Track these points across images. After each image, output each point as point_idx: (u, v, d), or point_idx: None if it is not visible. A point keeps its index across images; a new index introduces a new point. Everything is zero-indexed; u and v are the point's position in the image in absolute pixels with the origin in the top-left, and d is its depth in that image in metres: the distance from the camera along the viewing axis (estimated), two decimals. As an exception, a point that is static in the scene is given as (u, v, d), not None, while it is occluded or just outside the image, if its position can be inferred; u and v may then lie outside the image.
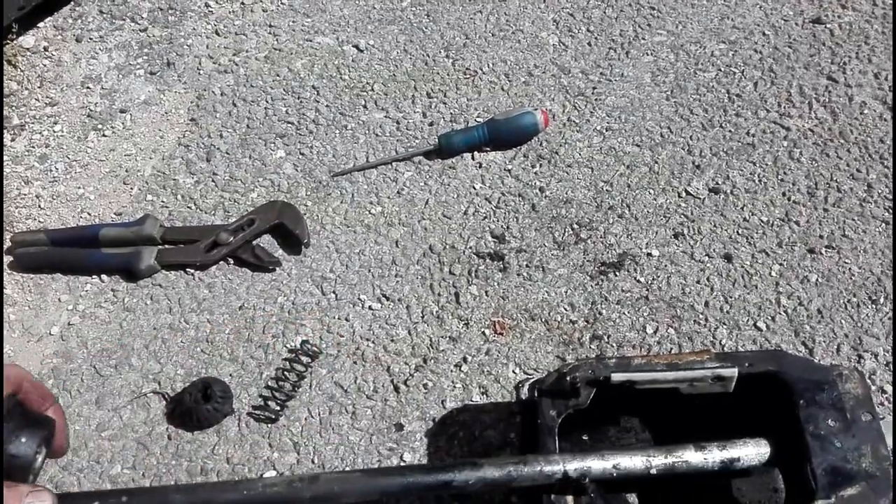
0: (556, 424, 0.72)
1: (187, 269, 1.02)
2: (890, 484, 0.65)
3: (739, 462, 0.70)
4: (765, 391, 0.73)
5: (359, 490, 0.67)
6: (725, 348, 0.89)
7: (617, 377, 0.72)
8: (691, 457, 0.70)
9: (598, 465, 0.68)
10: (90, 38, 1.35)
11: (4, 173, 1.16)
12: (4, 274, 1.05)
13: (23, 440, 0.55)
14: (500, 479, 0.68)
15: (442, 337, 0.94)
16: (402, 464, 0.84)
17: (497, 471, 0.67)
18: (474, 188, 1.07)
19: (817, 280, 0.93)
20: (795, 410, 0.70)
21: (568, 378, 0.72)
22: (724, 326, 0.90)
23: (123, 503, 0.63)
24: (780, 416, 0.73)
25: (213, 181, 1.12)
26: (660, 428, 0.80)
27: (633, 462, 0.69)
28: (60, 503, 0.55)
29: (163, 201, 1.10)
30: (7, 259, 1.06)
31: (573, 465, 0.68)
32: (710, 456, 0.70)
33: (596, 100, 1.15)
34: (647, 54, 1.21)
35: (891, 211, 0.98)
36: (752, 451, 0.70)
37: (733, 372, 0.71)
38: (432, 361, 0.92)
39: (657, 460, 0.69)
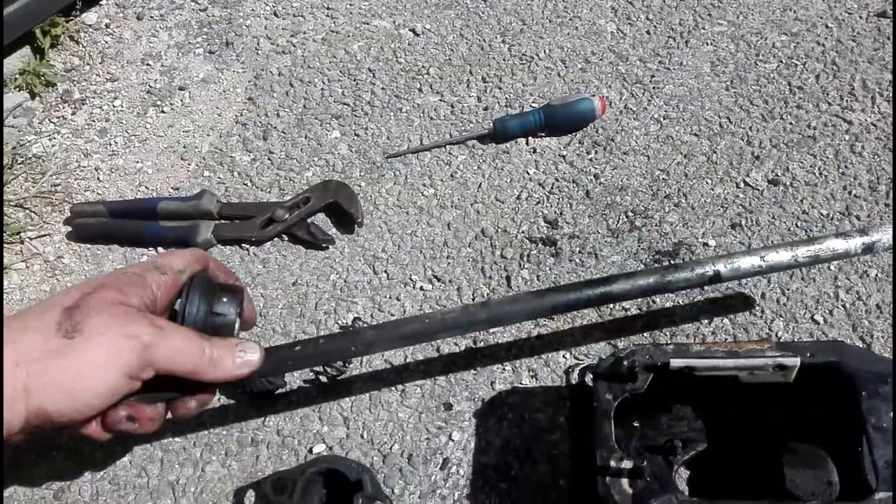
0: (612, 408, 0.71)
1: (243, 245, 1.03)
2: None
3: (880, 243, 0.79)
4: (825, 382, 0.71)
5: (529, 309, 0.78)
6: (782, 340, 0.87)
7: (676, 362, 0.71)
8: (834, 244, 0.79)
9: (747, 261, 0.79)
10: (151, 17, 1.37)
11: (65, 145, 1.19)
12: (63, 243, 1.07)
13: (224, 300, 0.59)
14: (654, 284, 0.79)
15: (493, 319, 0.94)
16: (452, 433, 0.84)
17: (651, 276, 0.79)
18: (528, 173, 1.07)
19: (877, 275, 0.91)
20: (857, 402, 0.69)
21: (626, 362, 0.72)
22: (781, 318, 0.89)
23: (321, 345, 0.74)
24: (840, 408, 0.72)
25: (269, 159, 1.13)
26: (713, 417, 0.79)
27: (779, 255, 0.79)
28: (266, 355, 0.60)
29: (219, 178, 1.12)
30: (66, 229, 1.08)
31: (721, 265, 0.79)
32: (852, 242, 0.79)
33: (654, 88, 1.14)
34: (707, 44, 1.19)
35: (957, 208, 0.96)
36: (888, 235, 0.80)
37: (795, 361, 0.70)
38: (482, 343, 0.92)
39: (802, 250, 0.79)
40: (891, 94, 1.09)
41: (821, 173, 1.02)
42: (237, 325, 0.61)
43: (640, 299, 0.92)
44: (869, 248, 0.81)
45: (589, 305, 0.81)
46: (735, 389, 0.73)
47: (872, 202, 0.98)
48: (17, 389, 0.46)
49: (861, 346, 0.86)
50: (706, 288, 0.92)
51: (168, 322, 0.55)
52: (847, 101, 1.09)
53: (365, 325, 0.91)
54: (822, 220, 0.97)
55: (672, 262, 0.95)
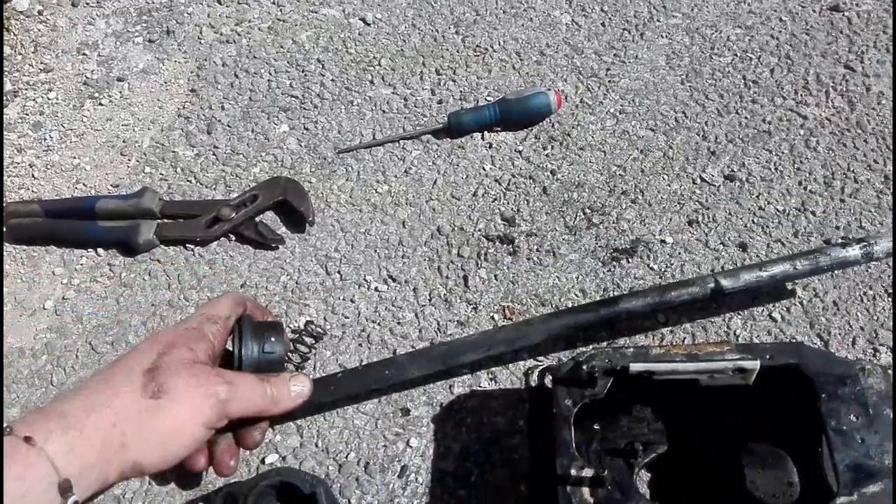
0: (572, 414, 0.70)
1: (187, 245, 0.99)
2: None
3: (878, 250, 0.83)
4: (785, 384, 0.71)
5: (545, 330, 0.83)
6: (740, 339, 0.87)
7: (635, 367, 0.70)
8: (838, 252, 0.82)
9: (751, 276, 0.83)
10: (87, 3, 1.31)
11: (-3, 140, 1.12)
12: (-4, 245, 1.02)
13: (272, 339, 0.64)
14: (658, 301, 0.83)
15: (450, 321, 0.91)
16: (410, 440, 0.82)
17: (656, 294, 0.83)
18: (484, 169, 1.05)
19: (832, 272, 0.91)
20: (816, 404, 0.68)
21: (585, 367, 0.70)
22: (739, 316, 0.88)
23: (360, 373, 0.83)
24: (800, 409, 0.71)
25: (214, 154, 1.08)
26: (673, 419, 0.78)
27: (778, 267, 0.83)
28: (315, 386, 0.66)
29: (161, 174, 1.07)
30: (-1, 230, 1.03)
31: (724, 281, 0.82)
32: (851, 251, 0.83)
33: (609, 82, 1.12)
34: (662, 37, 1.18)
35: (909, 203, 0.97)
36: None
37: (755, 364, 0.69)
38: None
39: (801, 263, 0.83)
40: (844, 89, 1.09)
41: (776, 168, 1.01)
42: (285, 357, 0.66)
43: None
44: (868, 256, 0.84)
45: (601, 324, 0.85)
46: (695, 391, 0.72)
47: (828, 197, 0.98)
48: (114, 445, 0.51)
49: (819, 343, 0.86)
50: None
51: (235, 374, 0.60)
52: (801, 95, 1.09)
53: (319, 329, 0.88)
54: (779, 216, 0.97)
55: (629, 259, 0.94)
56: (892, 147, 1.02)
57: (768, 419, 0.75)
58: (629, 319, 0.86)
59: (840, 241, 0.91)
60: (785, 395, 0.72)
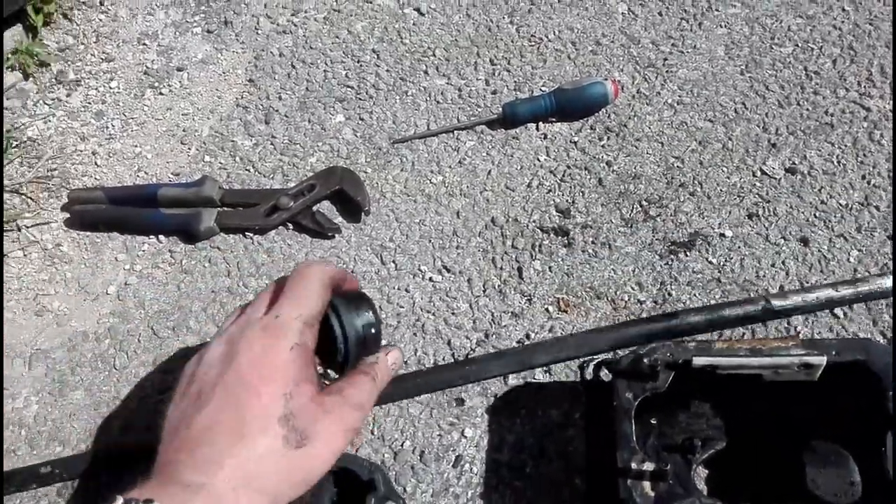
0: (633, 407, 0.69)
1: (246, 233, 1.00)
2: None
3: None
4: (850, 380, 0.70)
5: (612, 339, 0.86)
6: (801, 335, 0.85)
7: (699, 361, 0.69)
8: (885, 282, 0.85)
9: (810, 295, 0.85)
10: (146, -6, 1.33)
11: (61, 128, 1.15)
12: (61, 231, 1.04)
13: (366, 313, 0.61)
14: (721, 315, 0.86)
15: (504, 312, 0.92)
16: (465, 430, 0.82)
17: (714, 312, 0.86)
18: (538, 160, 1.04)
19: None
20: (883, 401, 0.67)
21: (646, 360, 0.70)
22: (801, 313, 0.87)
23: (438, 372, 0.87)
24: (866, 406, 0.70)
25: (271, 144, 1.10)
26: (733, 414, 0.77)
27: (823, 292, 0.86)
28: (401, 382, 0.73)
29: (221, 163, 1.08)
30: (63, 216, 1.05)
31: (778, 303, 0.85)
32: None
33: (667, 72, 1.11)
34: (721, 26, 1.16)
35: (978, 199, 0.94)
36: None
37: (822, 360, 0.68)
38: (494, 336, 0.90)
39: (844, 289, 0.86)
40: (910, 80, 1.06)
41: (839, 162, 0.99)
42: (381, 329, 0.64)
43: (652, 294, 0.90)
44: None
45: (664, 335, 0.86)
46: (757, 387, 0.71)
47: (892, 192, 0.96)
48: (253, 494, 0.49)
49: (882, 341, 0.84)
50: (722, 280, 0.90)
51: (349, 384, 0.58)
52: (865, 87, 1.07)
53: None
54: (841, 211, 0.95)
55: (687, 253, 0.93)
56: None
57: (832, 416, 0.74)
58: (689, 332, 0.87)
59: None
60: (850, 392, 0.70)
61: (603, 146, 1.04)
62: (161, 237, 1.02)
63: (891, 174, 0.97)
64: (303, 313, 0.56)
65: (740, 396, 0.75)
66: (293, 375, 0.53)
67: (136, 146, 1.12)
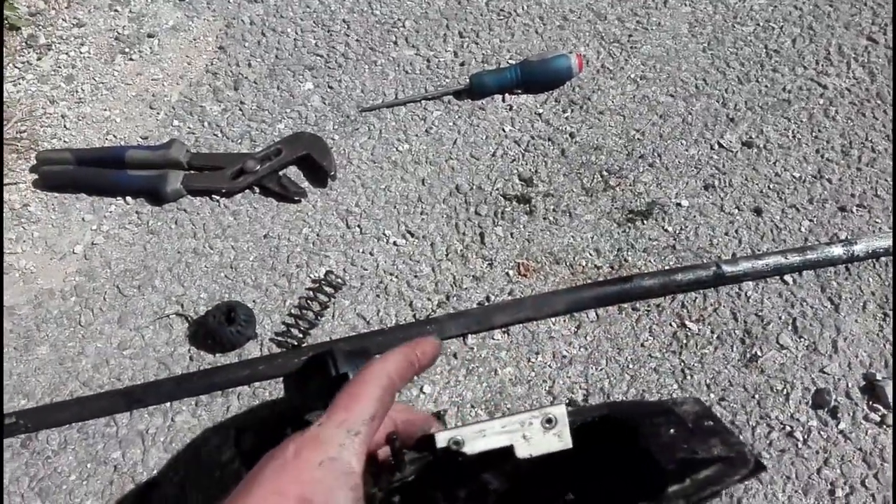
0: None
1: (213, 196, 1.01)
2: (747, 457, 0.56)
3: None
4: (603, 436, 0.61)
5: (567, 300, 0.88)
6: (751, 300, 0.88)
7: (441, 436, 0.52)
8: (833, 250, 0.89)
9: (760, 262, 0.88)
10: (119, -39, 1.33)
11: (31, 91, 1.15)
12: (29, 191, 1.05)
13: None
14: (673, 280, 0.88)
15: (465, 275, 0.93)
16: (419, 385, 0.84)
17: (666, 276, 0.88)
18: (504, 130, 1.06)
19: (847, 238, 0.92)
20: (637, 440, 0.59)
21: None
22: (751, 279, 0.90)
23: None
24: (626, 460, 0.64)
25: (240, 110, 1.11)
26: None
27: (772, 259, 0.89)
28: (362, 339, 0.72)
29: (189, 127, 1.09)
30: (32, 177, 1.06)
31: (728, 268, 0.88)
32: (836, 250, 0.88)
33: (631, 48, 1.13)
34: (686, 4, 1.18)
35: (925, 173, 0.97)
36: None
37: (561, 409, 0.54)
38: (455, 299, 0.92)
39: (793, 257, 0.89)
40: (866, 60, 1.09)
41: (794, 136, 1.02)
42: None
43: (609, 260, 0.93)
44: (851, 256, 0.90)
45: (618, 297, 0.90)
46: (516, 470, 0.58)
47: (845, 166, 0.99)
48: None
49: (829, 306, 0.87)
50: (676, 247, 0.93)
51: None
52: (822, 65, 1.10)
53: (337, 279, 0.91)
54: (795, 183, 0.98)
55: (644, 221, 0.95)
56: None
57: (601, 479, 0.61)
58: (643, 296, 0.90)
59: (827, 240, 0.93)
60: (607, 453, 0.61)
61: (567, 118, 1.06)
62: (128, 198, 1.02)
63: (843, 149, 1.00)
64: (349, 418, 0.46)
65: (502, 486, 0.60)
66: (304, 494, 0.44)
67: (105, 110, 1.13)
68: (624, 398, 0.83)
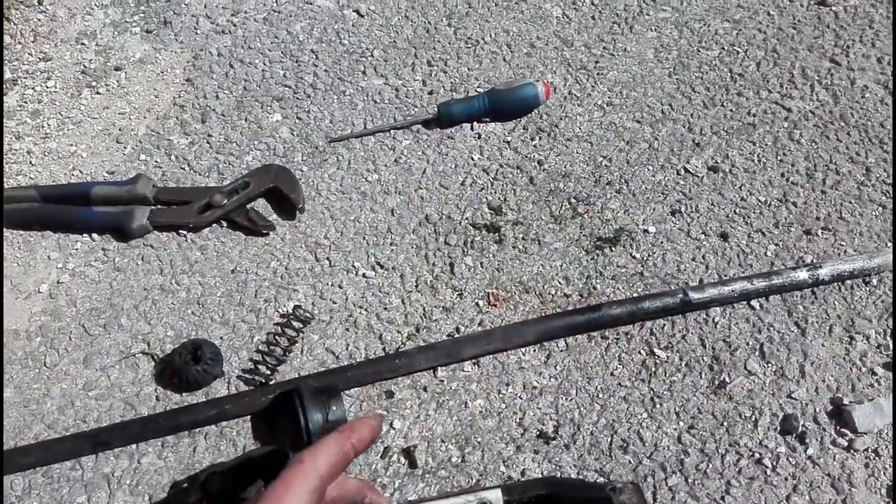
0: None
1: (180, 231, 1.01)
2: None
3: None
4: None
5: (537, 330, 0.89)
6: (718, 326, 0.88)
7: None
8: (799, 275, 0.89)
9: (727, 288, 0.89)
10: (85, -6, 1.33)
11: (-5, 128, 1.14)
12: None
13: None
14: (641, 308, 0.89)
15: (435, 307, 0.93)
16: (393, 422, 0.84)
17: (634, 304, 0.89)
18: (472, 159, 1.06)
19: (812, 261, 0.93)
20: None
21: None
22: (718, 305, 0.90)
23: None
24: None
25: (207, 143, 1.10)
26: None
27: (738, 285, 0.89)
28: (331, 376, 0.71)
29: (156, 161, 1.09)
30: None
31: (695, 295, 0.88)
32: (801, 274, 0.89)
33: (598, 74, 1.14)
34: (651, 30, 1.19)
35: (888, 195, 0.98)
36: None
37: (497, 494, 0.57)
38: (425, 331, 0.91)
39: (759, 282, 0.89)
40: (829, 82, 1.11)
41: (759, 160, 1.03)
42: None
43: (578, 288, 0.93)
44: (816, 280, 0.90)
45: (587, 327, 0.90)
46: None
47: (809, 189, 1.00)
48: None
49: (796, 331, 0.88)
50: (644, 274, 0.93)
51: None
52: (787, 88, 1.11)
53: (307, 313, 0.91)
54: (760, 207, 0.98)
55: (612, 248, 0.96)
56: (874, 140, 1.03)
57: None
58: (612, 324, 0.90)
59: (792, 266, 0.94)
60: None
61: (535, 146, 1.07)
62: (94, 235, 1.02)
63: (808, 171, 1.01)
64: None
65: None
66: None
67: (71, 145, 1.12)
68: (594, 429, 0.83)
